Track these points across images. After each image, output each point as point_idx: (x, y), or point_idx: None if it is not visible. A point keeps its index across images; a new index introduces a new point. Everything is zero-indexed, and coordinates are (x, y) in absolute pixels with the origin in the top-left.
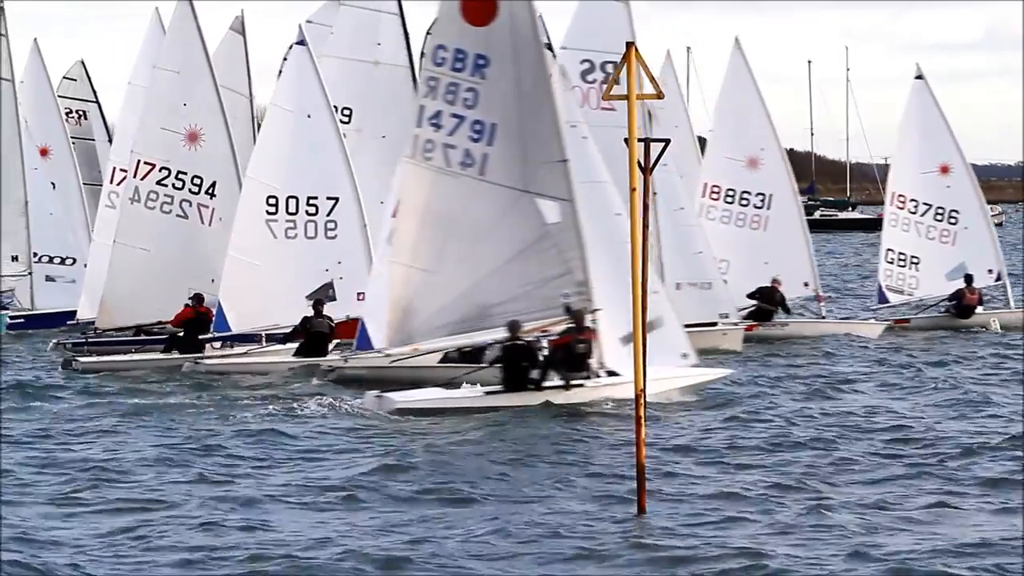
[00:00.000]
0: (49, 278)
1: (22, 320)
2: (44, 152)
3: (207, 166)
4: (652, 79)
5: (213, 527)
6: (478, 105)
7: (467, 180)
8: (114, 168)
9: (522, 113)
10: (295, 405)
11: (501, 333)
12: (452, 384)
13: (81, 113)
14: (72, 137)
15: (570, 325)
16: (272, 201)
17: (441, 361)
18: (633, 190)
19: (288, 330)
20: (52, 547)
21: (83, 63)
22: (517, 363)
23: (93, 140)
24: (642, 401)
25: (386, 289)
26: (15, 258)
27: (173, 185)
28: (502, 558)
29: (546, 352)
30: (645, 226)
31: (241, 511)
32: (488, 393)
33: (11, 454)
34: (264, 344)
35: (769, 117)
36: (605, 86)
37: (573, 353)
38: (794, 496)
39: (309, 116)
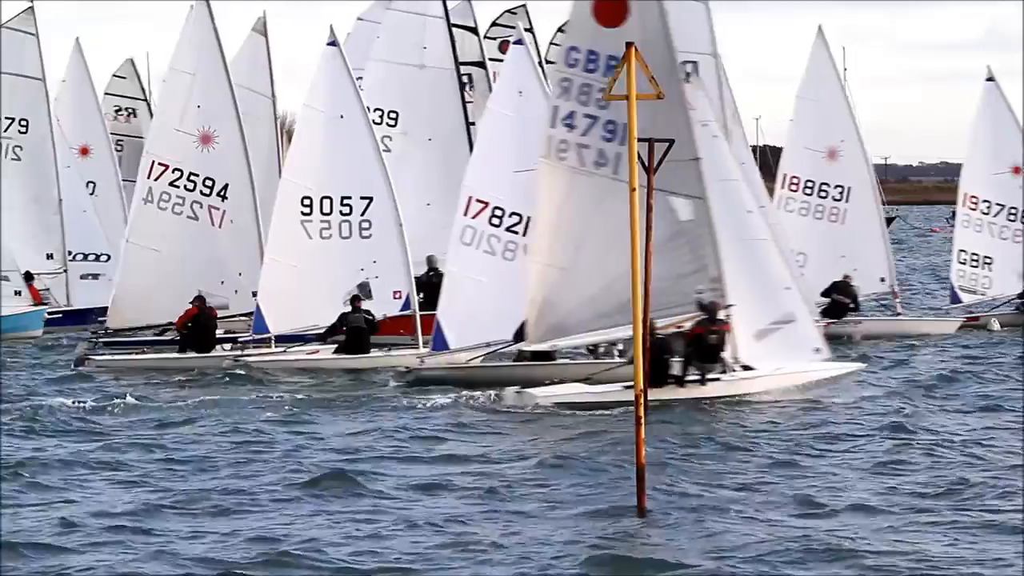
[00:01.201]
0: (84, 276)
1: (59, 316)
2: (85, 151)
3: (220, 168)
4: (652, 79)
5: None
6: (611, 105)
7: (601, 179)
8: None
9: (654, 113)
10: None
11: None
12: (592, 380)
13: (130, 111)
14: (123, 135)
15: (703, 317)
16: (307, 202)
17: (516, 360)
18: (633, 189)
19: (323, 329)
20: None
21: (132, 61)
22: (658, 359)
23: (142, 138)
24: (642, 401)
25: (460, 289)
26: (50, 256)
27: (185, 187)
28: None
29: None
30: (647, 226)
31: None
32: (626, 388)
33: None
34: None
35: (851, 108)
36: (605, 86)
37: (705, 344)
38: None
39: (342, 117)
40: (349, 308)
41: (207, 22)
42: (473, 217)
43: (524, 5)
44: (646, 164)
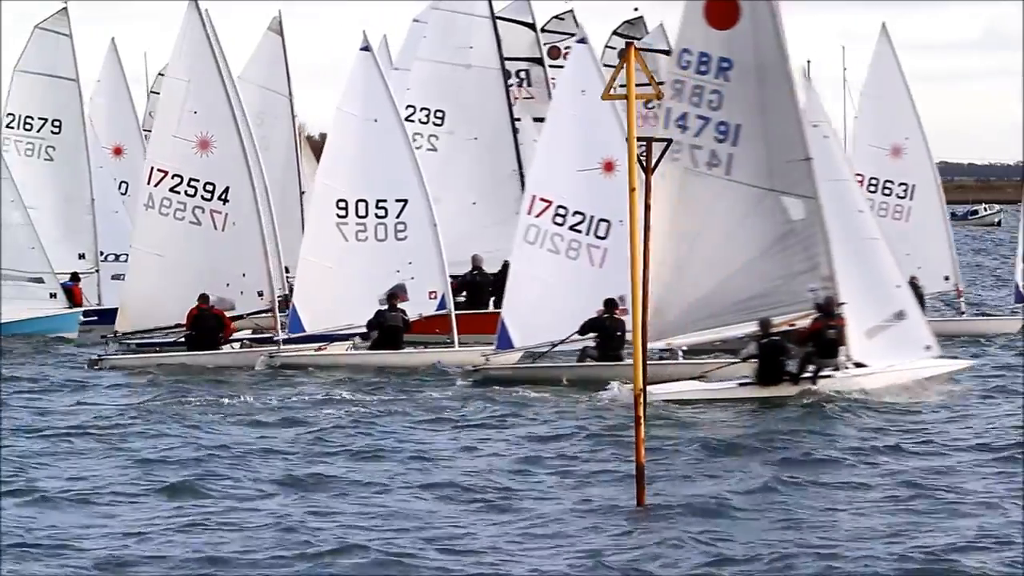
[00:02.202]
0: (116, 276)
1: (95, 317)
2: (118, 151)
3: (219, 172)
4: (651, 79)
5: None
6: (722, 107)
7: (714, 179)
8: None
9: (765, 113)
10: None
11: (749, 328)
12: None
13: None
14: None
15: (819, 314)
16: (342, 205)
17: (579, 360)
18: (632, 189)
19: (362, 329)
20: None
21: None
22: (773, 358)
23: None
24: (641, 401)
25: (524, 288)
26: (82, 256)
27: (185, 192)
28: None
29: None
30: (646, 226)
31: None
32: (741, 385)
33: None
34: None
35: (914, 105)
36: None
37: (824, 339)
38: None
39: (376, 120)
40: (386, 307)
41: (199, 26)
42: (537, 216)
43: (571, 10)
44: (644, 164)
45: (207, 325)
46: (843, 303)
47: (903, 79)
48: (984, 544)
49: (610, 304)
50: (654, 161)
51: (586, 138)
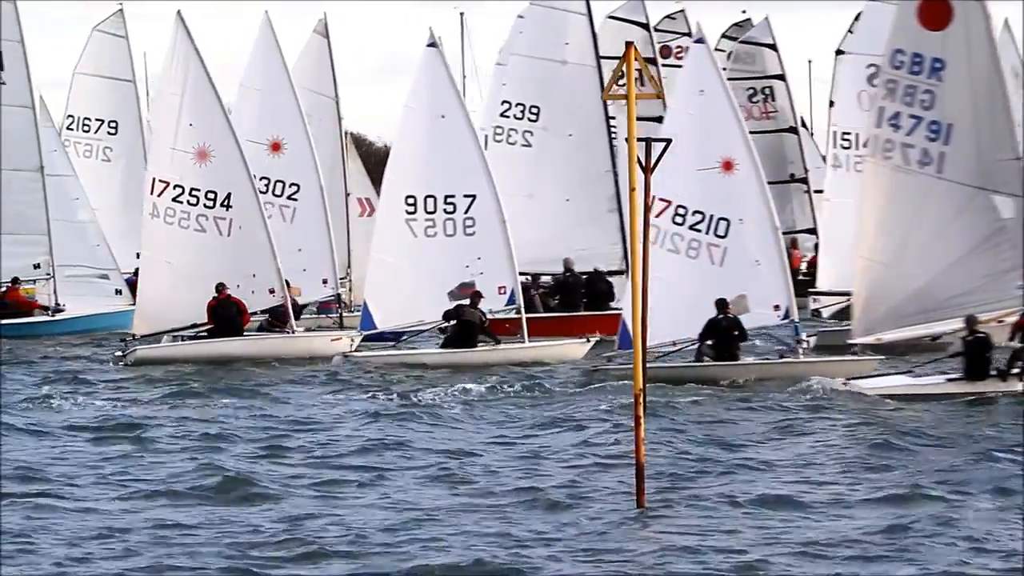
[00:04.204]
0: None
1: None
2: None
3: (220, 180)
4: (651, 79)
5: None
6: (935, 106)
7: (925, 178)
8: None
9: (977, 113)
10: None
11: (955, 324)
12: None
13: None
14: None
15: None
16: (411, 201)
17: (695, 359)
18: (633, 190)
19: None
20: None
21: None
22: (980, 354)
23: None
24: (641, 401)
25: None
26: (139, 255)
27: (188, 202)
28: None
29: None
30: (646, 226)
31: None
32: (950, 380)
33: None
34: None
35: None
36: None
37: None
38: None
39: (443, 117)
40: (467, 302)
41: (187, 40)
42: (657, 216)
43: (683, 10)
44: (643, 164)
45: (228, 314)
46: None
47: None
48: None
49: (722, 304)
50: (653, 161)
51: (705, 137)
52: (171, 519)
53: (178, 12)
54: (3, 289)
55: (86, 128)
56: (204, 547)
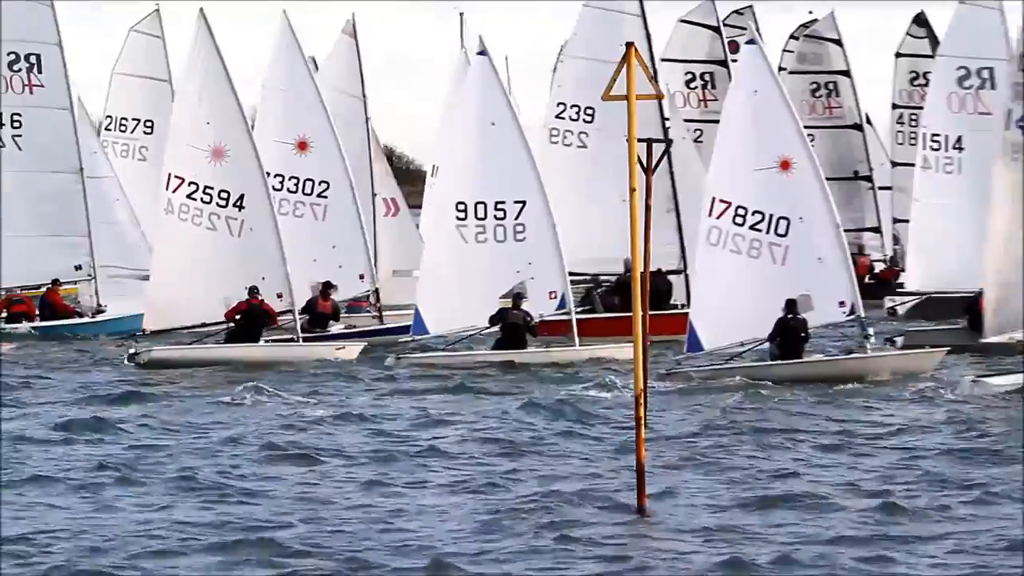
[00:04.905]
0: None
1: None
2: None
3: (234, 180)
4: (651, 79)
5: None
6: None
7: None
8: None
9: None
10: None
11: None
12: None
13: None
14: None
15: None
16: (461, 207)
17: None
18: (633, 190)
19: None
20: None
21: None
22: None
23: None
24: (642, 401)
25: (709, 290)
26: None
27: (201, 199)
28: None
29: None
30: (647, 226)
31: None
32: None
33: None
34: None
35: None
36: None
37: None
38: None
39: (493, 124)
40: (505, 305)
41: (208, 38)
42: (717, 217)
43: (751, 6)
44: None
45: (254, 320)
46: None
47: None
48: None
49: (791, 304)
50: (654, 162)
51: (761, 137)
52: None
53: (200, 10)
54: (43, 291)
55: (123, 128)
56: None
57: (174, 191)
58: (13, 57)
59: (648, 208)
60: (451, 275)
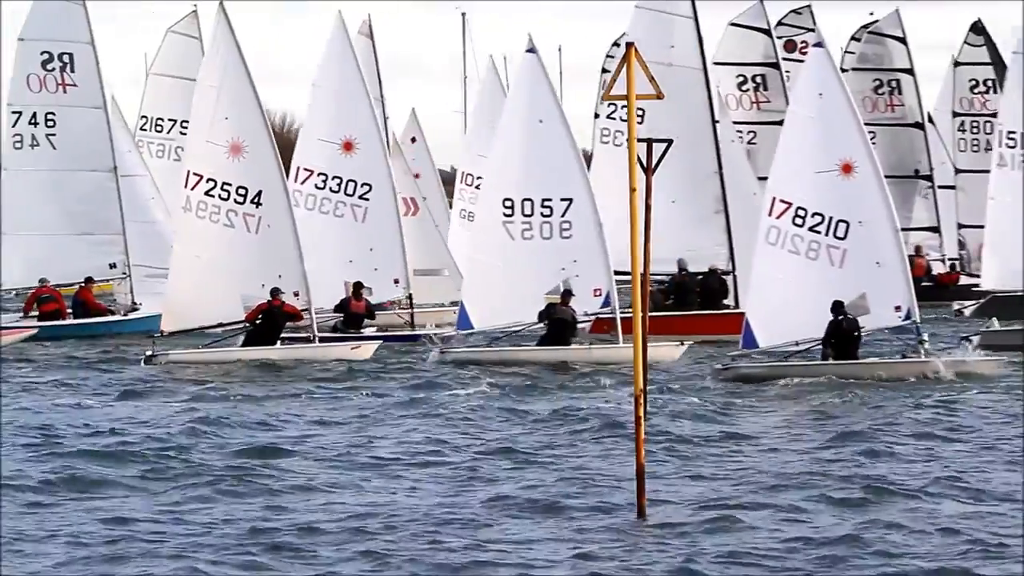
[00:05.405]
0: None
1: None
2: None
3: (252, 176)
4: (651, 79)
5: None
6: None
7: None
8: (298, 168)
9: None
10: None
11: None
12: None
13: None
14: None
15: None
16: (508, 204)
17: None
18: (633, 190)
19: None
20: None
21: None
22: None
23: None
24: (642, 401)
25: (767, 289)
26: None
27: (220, 196)
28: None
29: None
30: (647, 227)
31: None
32: None
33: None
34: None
35: None
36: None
37: None
38: None
39: (541, 121)
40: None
41: (228, 32)
42: (777, 217)
43: (809, 6)
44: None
45: (275, 322)
46: None
47: None
48: None
49: (838, 306)
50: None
51: (824, 140)
52: None
53: (220, 4)
54: (75, 290)
55: (159, 128)
56: None
57: (192, 188)
58: (46, 56)
59: (648, 208)
60: (497, 271)
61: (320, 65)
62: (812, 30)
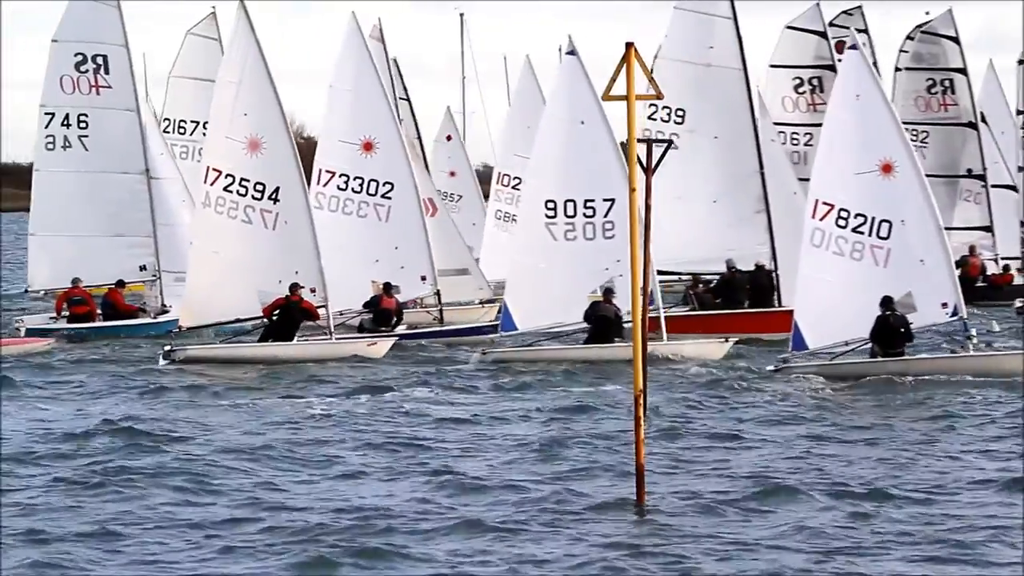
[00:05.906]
0: None
1: None
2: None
3: (269, 173)
4: (651, 79)
5: None
6: None
7: None
8: (320, 170)
9: None
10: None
11: None
12: None
13: None
14: None
15: None
16: (551, 205)
17: (871, 356)
18: (633, 190)
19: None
20: None
21: None
22: None
23: None
24: (641, 401)
25: (813, 291)
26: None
27: (237, 192)
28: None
29: None
30: (646, 225)
31: None
32: None
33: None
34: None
35: None
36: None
37: None
38: None
39: (582, 123)
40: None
41: (247, 29)
42: (820, 219)
43: (860, 6)
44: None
45: (292, 317)
46: None
47: None
48: None
49: (887, 301)
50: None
51: (863, 141)
52: None
53: (241, 1)
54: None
55: (182, 130)
56: None
57: (212, 184)
58: (80, 58)
59: (648, 208)
60: (540, 272)
61: (336, 66)
62: (863, 30)
